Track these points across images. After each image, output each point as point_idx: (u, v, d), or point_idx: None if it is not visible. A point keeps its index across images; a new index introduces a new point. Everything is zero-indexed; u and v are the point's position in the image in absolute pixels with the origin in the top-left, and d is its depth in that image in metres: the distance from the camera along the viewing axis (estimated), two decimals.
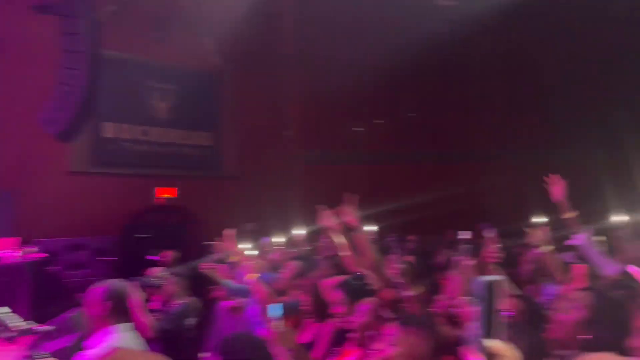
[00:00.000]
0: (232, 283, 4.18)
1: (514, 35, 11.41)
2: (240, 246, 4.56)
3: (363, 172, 11.03)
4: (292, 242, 5.93)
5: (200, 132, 10.10)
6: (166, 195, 9.51)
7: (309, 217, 8.82)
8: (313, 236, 7.68)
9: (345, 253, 3.24)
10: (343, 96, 10.62)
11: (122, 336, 2.55)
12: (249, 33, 9.87)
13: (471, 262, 2.77)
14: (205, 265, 4.35)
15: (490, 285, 1.14)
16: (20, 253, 6.51)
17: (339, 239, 3.33)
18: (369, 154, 11.55)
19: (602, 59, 11.05)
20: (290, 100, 11.11)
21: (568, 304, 2.20)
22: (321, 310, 2.91)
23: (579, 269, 2.97)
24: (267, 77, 10.58)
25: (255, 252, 4.66)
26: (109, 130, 9.02)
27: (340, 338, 2.59)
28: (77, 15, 7.14)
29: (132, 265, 7.40)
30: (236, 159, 10.44)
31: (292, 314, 3.03)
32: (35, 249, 6.73)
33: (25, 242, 6.72)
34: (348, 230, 3.51)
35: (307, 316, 3.12)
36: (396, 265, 3.24)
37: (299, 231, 6.76)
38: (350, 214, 3.46)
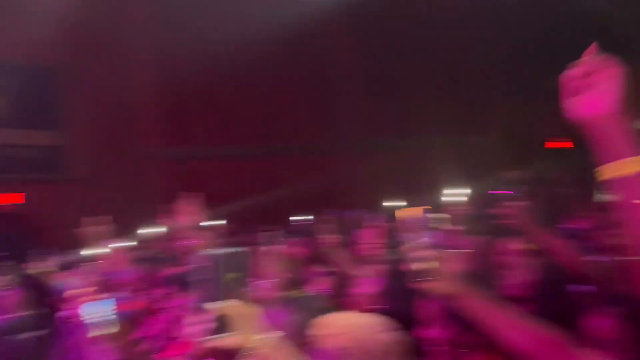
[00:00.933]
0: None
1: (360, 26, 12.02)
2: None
3: (217, 167, 10.96)
4: (141, 242, 5.78)
5: (43, 132, 9.36)
6: (9, 202, 8.77)
7: (160, 216, 8.66)
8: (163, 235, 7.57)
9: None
10: (196, 90, 10.51)
11: None
12: (94, 23, 9.34)
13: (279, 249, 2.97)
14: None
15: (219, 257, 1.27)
16: None
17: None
18: (223, 149, 11.49)
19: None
20: (142, 96, 10.66)
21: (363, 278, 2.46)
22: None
23: None
24: (116, 71, 10.06)
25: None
26: None
27: None
28: None
29: None
30: (85, 159, 9.81)
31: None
32: None
33: None
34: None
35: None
36: None
37: (149, 230, 6.62)
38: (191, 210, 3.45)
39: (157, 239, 5.85)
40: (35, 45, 9.01)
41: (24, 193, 9.05)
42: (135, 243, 5.97)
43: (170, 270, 3.10)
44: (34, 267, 6.02)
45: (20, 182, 8.95)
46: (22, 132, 9.07)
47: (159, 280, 3.14)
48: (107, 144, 9.86)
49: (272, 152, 11.82)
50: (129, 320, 2.79)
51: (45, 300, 4.90)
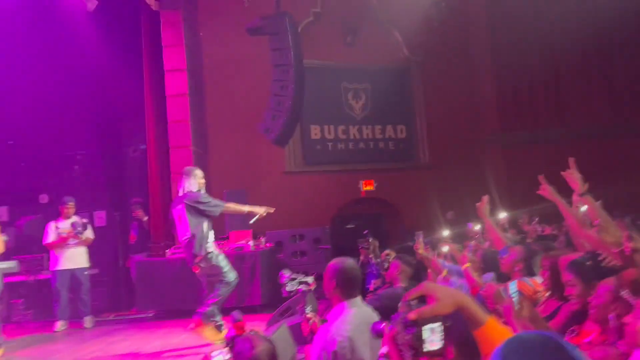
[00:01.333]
0: (446, 263, 4.34)
1: None
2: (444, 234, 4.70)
3: (567, 150, 10.14)
4: (500, 227, 5.82)
5: (395, 126, 10.46)
6: (367, 188, 10.09)
7: (511, 201, 8.55)
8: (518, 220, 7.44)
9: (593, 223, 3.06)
10: (538, 75, 10.02)
11: (351, 311, 2.71)
12: (437, 22, 9.90)
13: None
14: (418, 247, 4.54)
15: None
16: (252, 244, 7.65)
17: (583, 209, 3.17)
18: (566, 131, 10.63)
19: None
20: (480, 84, 10.80)
21: None
22: (559, 289, 2.87)
23: None
24: (459, 63, 10.46)
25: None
26: (315, 132, 9.95)
27: (579, 317, 2.55)
28: (283, 32, 8.07)
29: (343, 253, 8.12)
30: (430, 148, 10.56)
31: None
32: (264, 239, 7.83)
33: (257, 234, 7.86)
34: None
35: (548, 295, 3.11)
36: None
37: (503, 215, 6.61)
38: (576, 181, 3.28)
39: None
40: (388, 50, 10.18)
41: (373, 180, 10.28)
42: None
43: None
44: (411, 245, 6.75)
45: (374, 171, 10.20)
46: (378, 128, 10.34)
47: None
48: (448, 133, 10.37)
49: (622, 132, 10.41)
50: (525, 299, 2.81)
51: (420, 274, 5.45)
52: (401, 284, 4.18)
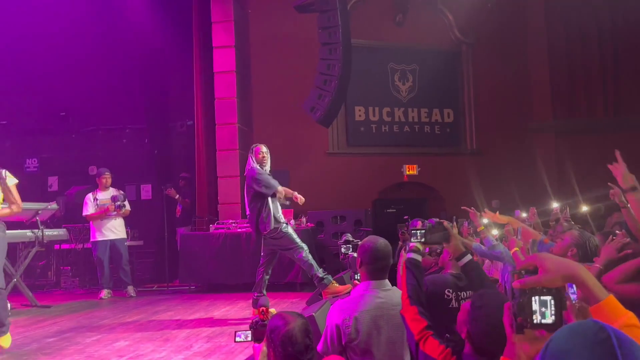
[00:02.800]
0: (482, 247, 4.21)
1: None
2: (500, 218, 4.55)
3: (622, 142, 9.68)
4: (552, 216, 5.60)
5: (442, 110, 10.20)
6: (410, 172, 9.92)
7: (562, 191, 8.24)
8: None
9: None
10: (596, 62, 9.53)
11: (369, 292, 2.62)
12: (491, 4, 9.54)
13: None
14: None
15: None
16: (293, 223, 7.65)
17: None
18: (628, 122, 10.09)
19: None
20: (532, 69, 10.39)
21: None
22: None
23: None
24: (512, 47, 10.08)
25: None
26: (360, 113, 9.81)
27: None
28: (332, 10, 7.93)
29: (383, 236, 8.04)
30: (477, 134, 10.27)
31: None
32: (306, 219, 7.82)
33: (298, 214, 7.86)
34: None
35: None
36: None
37: (555, 205, 6.35)
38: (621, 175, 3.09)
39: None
40: (438, 32, 9.89)
41: (415, 164, 10.09)
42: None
43: None
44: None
45: (418, 155, 10.00)
46: (424, 111, 10.10)
47: None
48: (496, 119, 10.06)
49: None
50: None
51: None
52: (452, 270, 4.07)
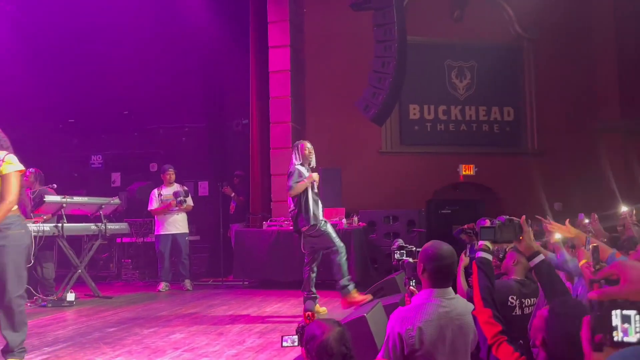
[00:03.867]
0: (555, 259, 3.98)
1: None
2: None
3: None
4: (620, 220, 5.27)
5: (501, 108, 9.85)
6: (466, 172, 9.65)
7: (631, 194, 7.76)
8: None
9: None
10: None
11: (432, 301, 2.49)
12: (554, 0, 9.13)
13: None
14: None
15: None
16: (345, 222, 7.62)
17: None
18: None
19: None
20: (605, 67, 9.82)
21: None
22: None
23: None
24: (577, 43, 9.59)
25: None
26: (414, 111, 9.64)
27: None
28: (388, 7, 7.84)
29: (438, 238, 7.86)
30: (538, 134, 9.85)
31: None
32: (357, 218, 7.76)
33: (350, 213, 7.82)
34: None
35: None
36: None
37: (624, 209, 5.97)
38: None
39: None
40: (498, 27, 9.55)
41: (472, 164, 9.78)
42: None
43: None
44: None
45: (476, 155, 9.69)
46: (482, 109, 9.78)
47: None
48: (560, 118, 9.61)
49: None
50: None
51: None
52: (516, 276, 3.90)
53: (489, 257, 2.38)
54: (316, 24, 9.34)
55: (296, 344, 2.28)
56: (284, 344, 2.25)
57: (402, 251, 3.68)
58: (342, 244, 5.31)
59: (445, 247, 2.55)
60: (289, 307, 5.97)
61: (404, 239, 7.73)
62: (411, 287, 2.96)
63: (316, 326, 2.09)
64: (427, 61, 9.57)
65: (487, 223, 2.61)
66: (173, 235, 7.60)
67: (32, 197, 6.64)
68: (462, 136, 9.74)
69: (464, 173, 9.68)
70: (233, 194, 8.63)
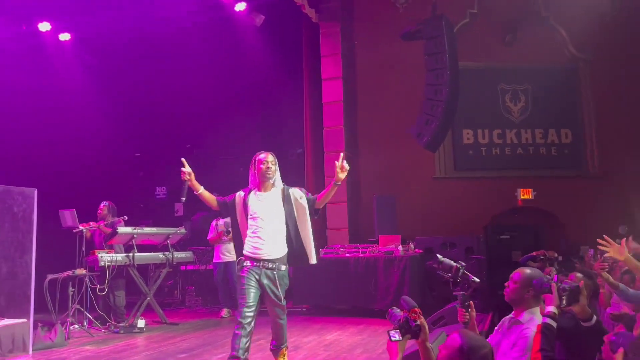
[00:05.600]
0: (629, 289, 3.86)
1: None
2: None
3: None
4: None
5: (558, 130, 9.65)
6: (525, 197, 9.46)
7: None
8: None
9: None
10: None
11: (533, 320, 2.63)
12: (610, 18, 8.96)
13: None
14: (599, 266, 4.08)
15: None
16: (401, 249, 7.65)
17: None
18: None
19: None
20: None
21: None
22: None
23: None
24: (634, 63, 9.31)
25: None
26: (468, 136, 9.62)
27: None
28: (439, 36, 7.96)
29: (497, 265, 7.75)
30: (599, 155, 9.56)
31: None
32: (414, 245, 7.78)
33: (406, 239, 7.85)
34: None
35: None
36: None
37: None
38: None
39: None
40: (552, 49, 9.44)
41: (530, 188, 9.57)
42: None
43: None
44: (575, 260, 6.16)
45: (534, 178, 9.50)
46: (539, 132, 9.62)
47: None
48: (622, 139, 9.30)
49: None
50: None
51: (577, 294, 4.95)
52: None
53: (554, 324, 2.52)
54: (367, 55, 9.58)
55: (399, 337, 2.29)
56: (392, 338, 2.29)
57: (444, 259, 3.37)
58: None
59: (473, 339, 2.02)
60: (348, 335, 6.05)
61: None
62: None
63: (477, 338, 2.04)
64: (479, 86, 9.57)
65: (555, 285, 2.72)
66: (225, 263, 7.87)
67: (105, 228, 7.11)
68: (518, 160, 9.59)
69: (522, 197, 9.49)
70: None
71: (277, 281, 4.12)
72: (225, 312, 7.75)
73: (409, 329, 2.26)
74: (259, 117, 10.37)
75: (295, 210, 4.26)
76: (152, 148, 10.65)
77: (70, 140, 10.01)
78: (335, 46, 9.06)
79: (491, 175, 9.50)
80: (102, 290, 6.59)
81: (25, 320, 5.16)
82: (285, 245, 4.20)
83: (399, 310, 2.40)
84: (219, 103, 10.02)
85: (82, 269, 6.58)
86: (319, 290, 7.63)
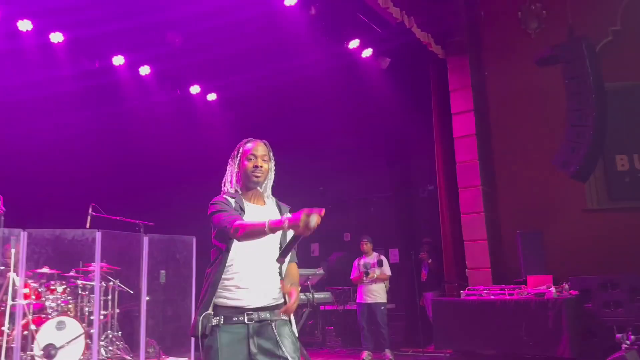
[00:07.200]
0: None
1: None
2: None
3: None
4: None
5: None
6: None
7: None
8: None
9: None
10: None
11: None
12: None
13: None
14: None
15: None
16: (554, 290, 7.02)
17: None
18: None
19: None
20: None
21: None
22: None
23: None
24: None
25: None
26: (622, 162, 8.69)
27: None
28: (579, 58, 7.43)
29: None
30: None
31: None
32: (568, 286, 7.10)
33: (558, 280, 7.20)
34: None
35: None
36: None
37: None
38: None
39: None
40: None
41: None
42: None
43: None
44: None
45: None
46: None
47: None
48: None
49: None
50: None
51: None
52: None
53: None
54: (499, 84, 9.21)
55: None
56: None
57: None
58: None
59: None
60: None
61: (627, 309, 6.82)
62: None
63: None
64: (631, 106, 8.65)
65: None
66: (368, 304, 7.84)
67: None
68: None
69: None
70: (430, 260, 8.71)
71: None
72: (366, 354, 7.69)
73: None
74: (388, 156, 10.43)
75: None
76: (288, 193, 11.17)
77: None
78: (464, 79, 8.86)
79: None
80: None
81: (186, 359, 5.60)
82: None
83: None
84: (348, 143, 10.29)
85: None
86: (463, 335, 7.25)
